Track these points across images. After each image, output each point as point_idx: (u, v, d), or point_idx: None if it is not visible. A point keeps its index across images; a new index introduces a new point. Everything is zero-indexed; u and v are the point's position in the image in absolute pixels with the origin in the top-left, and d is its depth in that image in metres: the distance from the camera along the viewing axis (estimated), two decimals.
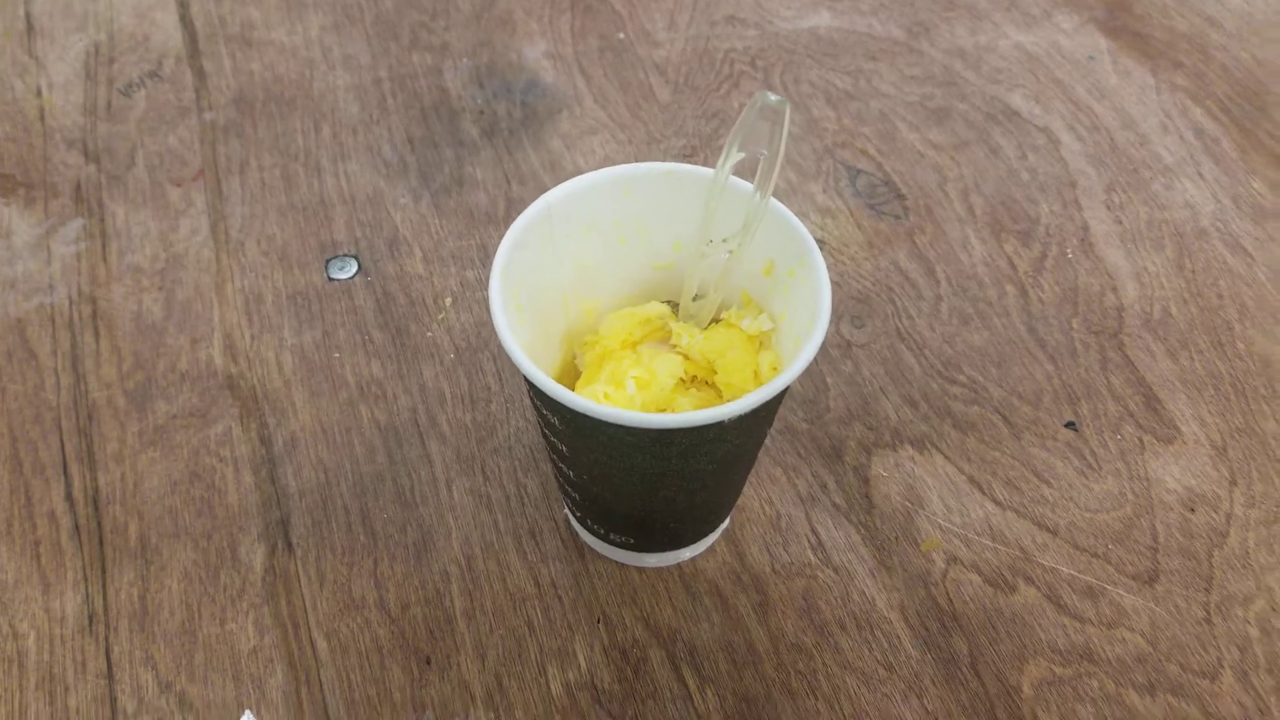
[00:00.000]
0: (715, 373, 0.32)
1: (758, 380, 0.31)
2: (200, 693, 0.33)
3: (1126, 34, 0.57)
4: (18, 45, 0.56)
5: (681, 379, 0.32)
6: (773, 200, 0.30)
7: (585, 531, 0.36)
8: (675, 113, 0.53)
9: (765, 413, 0.29)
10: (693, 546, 0.36)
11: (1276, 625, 0.35)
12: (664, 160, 0.50)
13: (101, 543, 0.37)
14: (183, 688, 0.34)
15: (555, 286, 0.33)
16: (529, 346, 0.27)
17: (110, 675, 0.34)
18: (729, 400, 0.32)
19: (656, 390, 0.31)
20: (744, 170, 0.29)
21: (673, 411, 0.31)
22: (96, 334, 0.43)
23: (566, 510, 0.37)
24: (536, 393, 0.28)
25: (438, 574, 0.36)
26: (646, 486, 0.30)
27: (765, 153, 0.27)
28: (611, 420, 0.26)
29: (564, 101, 0.53)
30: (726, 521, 0.37)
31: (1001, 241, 0.47)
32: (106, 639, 0.35)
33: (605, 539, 0.35)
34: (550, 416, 0.28)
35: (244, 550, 0.37)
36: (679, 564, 0.36)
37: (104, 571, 0.36)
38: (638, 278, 0.34)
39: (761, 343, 0.32)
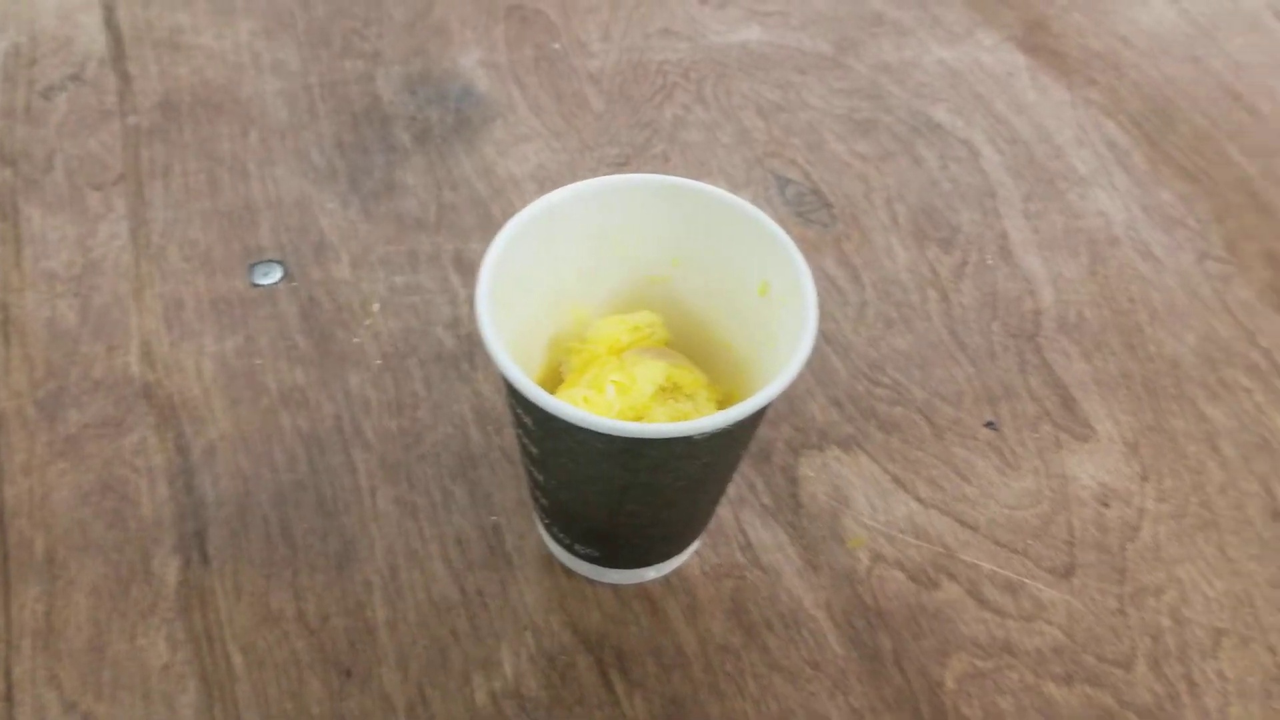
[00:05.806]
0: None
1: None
2: (107, 712, 0.32)
3: (1044, 51, 0.59)
4: None
5: (663, 387, 0.32)
6: (771, 222, 0.30)
7: (552, 541, 0.36)
8: (609, 122, 0.53)
9: (739, 433, 0.28)
10: (658, 567, 0.35)
11: (1186, 615, 0.36)
12: (598, 168, 0.51)
13: (6, 558, 0.35)
14: (89, 707, 0.32)
15: (547, 289, 0.32)
16: (511, 346, 0.27)
17: (10, 697, 0.32)
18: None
19: (636, 396, 0.31)
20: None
21: (648, 421, 0.31)
22: (7, 341, 0.41)
23: (537, 519, 0.37)
24: (511, 391, 0.27)
25: (359, 584, 0.35)
26: (613, 498, 0.29)
27: None
28: (581, 424, 0.25)
29: (498, 109, 0.53)
30: (696, 544, 0.37)
31: (924, 248, 0.48)
32: (7, 658, 0.33)
33: (570, 550, 0.34)
34: (523, 416, 0.28)
35: (157, 563, 0.36)
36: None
37: (7, 588, 0.35)
38: (631, 289, 0.34)
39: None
